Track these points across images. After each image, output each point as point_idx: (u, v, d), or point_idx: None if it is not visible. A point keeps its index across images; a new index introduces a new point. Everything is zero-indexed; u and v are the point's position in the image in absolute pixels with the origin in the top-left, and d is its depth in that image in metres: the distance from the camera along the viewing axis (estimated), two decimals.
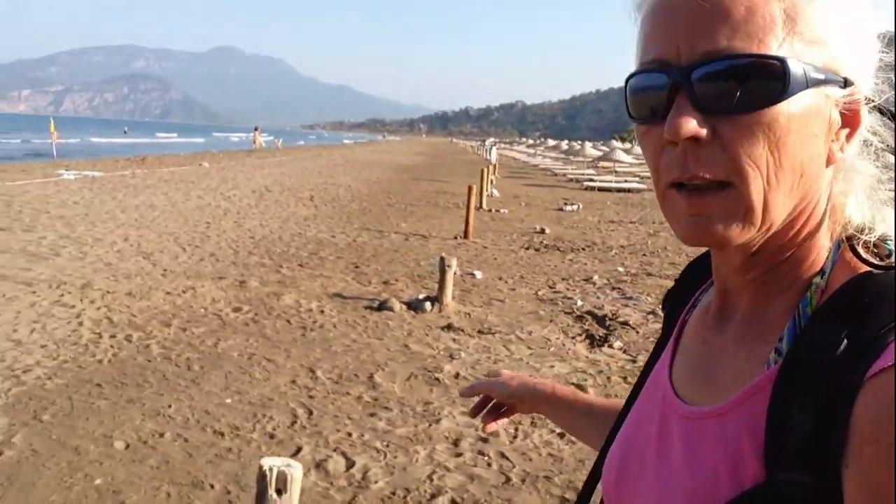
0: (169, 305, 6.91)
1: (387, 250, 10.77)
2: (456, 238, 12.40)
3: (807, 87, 0.53)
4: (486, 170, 20.03)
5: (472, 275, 9.14)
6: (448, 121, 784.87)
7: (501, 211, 17.34)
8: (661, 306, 0.81)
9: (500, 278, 9.17)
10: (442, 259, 7.44)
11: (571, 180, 29.30)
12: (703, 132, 0.53)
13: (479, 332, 6.63)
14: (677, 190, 0.55)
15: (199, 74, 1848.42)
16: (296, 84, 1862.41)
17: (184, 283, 7.84)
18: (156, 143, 66.70)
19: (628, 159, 28.62)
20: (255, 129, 56.32)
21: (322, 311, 6.98)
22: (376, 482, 3.72)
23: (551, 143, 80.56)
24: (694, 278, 0.75)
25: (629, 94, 0.59)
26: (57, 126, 28.65)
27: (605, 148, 42.36)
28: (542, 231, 13.75)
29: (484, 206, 17.58)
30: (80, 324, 6.11)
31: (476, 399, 1.17)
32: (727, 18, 0.53)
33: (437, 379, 5.29)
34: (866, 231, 0.58)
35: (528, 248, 11.81)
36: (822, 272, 0.58)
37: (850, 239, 0.59)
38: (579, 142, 77.94)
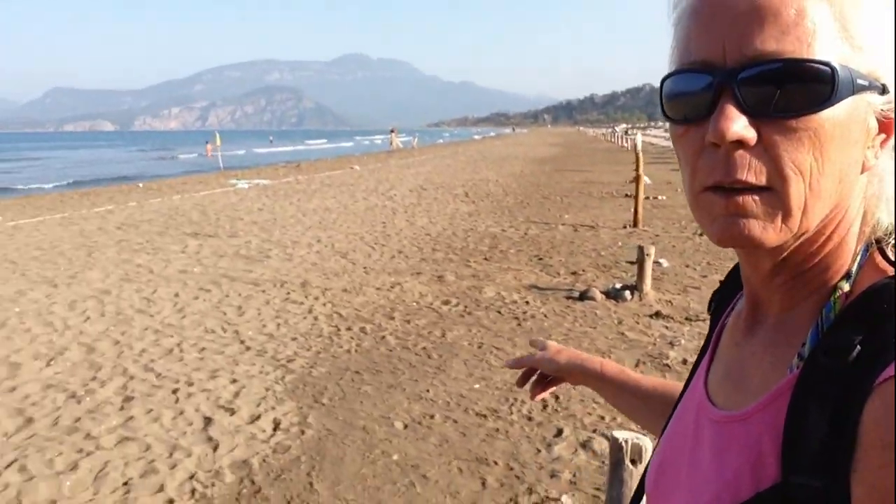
0: (384, 300, 7.40)
1: (561, 242, 10.90)
2: (625, 227, 12.32)
3: (853, 92, 0.53)
4: (639, 156, 19.66)
5: (659, 263, 9.09)
6: (573, 110, 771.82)
7: (659, 198, 16.98)
8: (707, 309, 0.80)
9: (687, 265, 9.07)
10: (640, 248, 7.49)
11: None
12: (750, 135, 0.53)
13: (688, 318, 6.64)
14: (714, 191, 0.55)
15: (330, 82, 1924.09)
16: (419, 84, 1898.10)
17: (387, 279, 8.34)
18: (308, 149, 70.17)
19: None
20: (392, 131, 58.02)
21: (527, 303, 7.23)
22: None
23: None
24: (736, 282, 0.73)
25: (666, 94, 0.59)
26: (218, 139, 30.94)
27: None
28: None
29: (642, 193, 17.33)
30: (315, 318, 6.69)
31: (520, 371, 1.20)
32: (776, 21, 0.52)
33: (666, 365, 5.38)
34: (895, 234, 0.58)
35: (702, 234, 11.50)
36: (847, 276, 0.58)
37: (878, 242, 0.58)
38: None
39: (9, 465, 3.79)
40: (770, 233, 0.55)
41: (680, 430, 0.69)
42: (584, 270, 8.76)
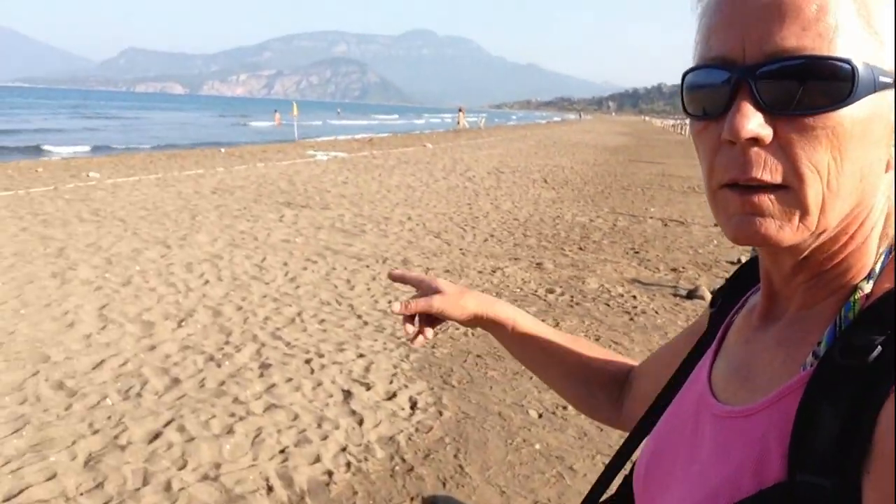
0: (488, 284, 7.42)
1: (654, 236, 10.73)
2: (716, 225, 12.01)
3: (874, 90, 0.52)
4: None
5: None
6: (639, 98, 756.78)
7: None
8: (709, 305, 0.79)
9: None
10: (755, 250, 7.32)
11: None
12: (765, 133, 0.52)
13: None
14: (730, 188, 0.55)
15: (395, 57, 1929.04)
16: (485, 64, 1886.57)
17: (487, 263, 8.36)
18: (377, 123, 70.89)
19: None
20: (460, 111, 57.91)
21: (634, 297, 7.15)
22: None
23: None
24: (745, 280, 0.74)
25: (686, 89, 0.59)
26: (296, 109, 31.38)
27: None
28: None
29: None
30: None
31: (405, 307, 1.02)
32: (797, 16, 0.51)
33: None
34: None
35: None
36: (868, 276, 0.57)
37: None
38: None
39: (167, 424, 3.94)
40: (787, 232, 0.54)
41: (677, 424, 0.67)
42: (683, 268, 8.61)
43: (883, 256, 0.58)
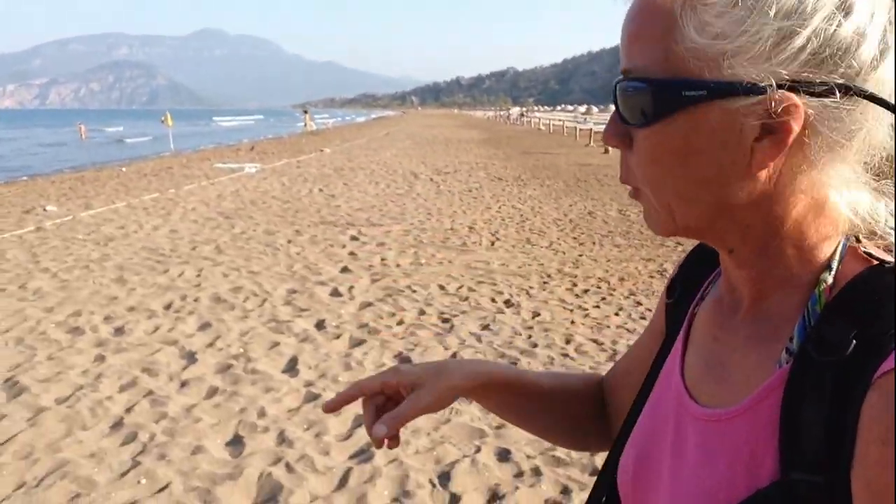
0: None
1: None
2: None
3: (687, 105, 0.54)
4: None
5: None
6: (440, 91, 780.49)
7: None
8: (666, 294, 0.78)
9: None
10: None
11: None
12: (616, 142, 0.59)
13: None
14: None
15: (185, 58, 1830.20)
16: (283, 63, 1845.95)
17: (613, 253, 7.74)
18: (216, 129, 66.31)
19: None
20: (306, 113, 55.92)
21: None
22: None
23: (595, 109, 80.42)
24: (698, 268, 0.75)
25: None
26: (170, 120, 28.20)
27: None
28: None
29: None
30: None
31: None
32: (633, 37, 0.56)
33: None
34: (874, 224, 0.58)
35: None
36: (828, 268, 0.57)
37: (857, 232, 0.58)
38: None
39: None
40: (655, 224, 0.61)
41: (658, 427, 0.67)
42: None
43: (841, 247, 0.58)
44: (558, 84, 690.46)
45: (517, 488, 3.31)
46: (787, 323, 0.57)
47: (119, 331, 5.56)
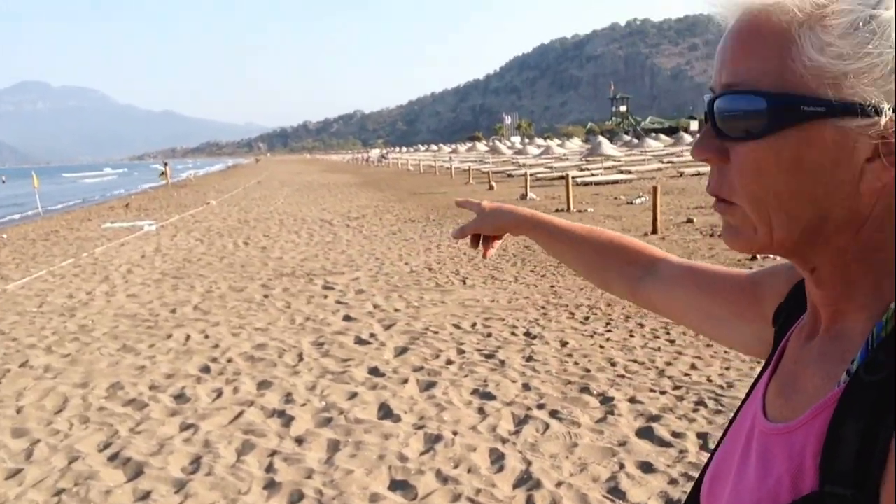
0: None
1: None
2: (646, 234, 13.37)
3: (803, 120, 0.55)
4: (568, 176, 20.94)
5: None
6: (288, 137, 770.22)
7: (588, 210, 18.42)
8: (772, 322, 0.80)
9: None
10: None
11: (554, 178, 31.05)
12: (711, 156, 0.61)
13: None
14: (717, 201, 0.63)
15: (4, 113, 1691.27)
16: (115, 114, 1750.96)
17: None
18: (74, 186, 61.48)
19: (614, 152, 30.63)
20: (165, 165, 53.92)
21: None
22: None
23: (452, 147, 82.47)
24: (804, 299, 0.71)
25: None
26: (36, 180, 26.14)
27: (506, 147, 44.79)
28: (691, 220, 14.92)
29: (572, 207, 18.66)
30: None
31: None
32: (741, 52, 0.58)
33: None
34: None
35: (712, 235, 13.00)
36: None
37: None
38: (490, 141, 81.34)
39: None
40: (741, 241, 0.62)
41: (734, 441, 0.71)
42: None
43: None
44: (406, 125, 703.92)
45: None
46: (855, 346, 0.58)
47: (180, 398, 5.44)
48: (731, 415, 0.77)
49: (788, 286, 0.79)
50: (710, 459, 0.76)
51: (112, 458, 4.41)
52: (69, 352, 6.83)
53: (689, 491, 0.80)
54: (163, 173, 51.25)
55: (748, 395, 0.75)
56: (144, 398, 5.45)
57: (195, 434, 4.73)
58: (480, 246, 1.28)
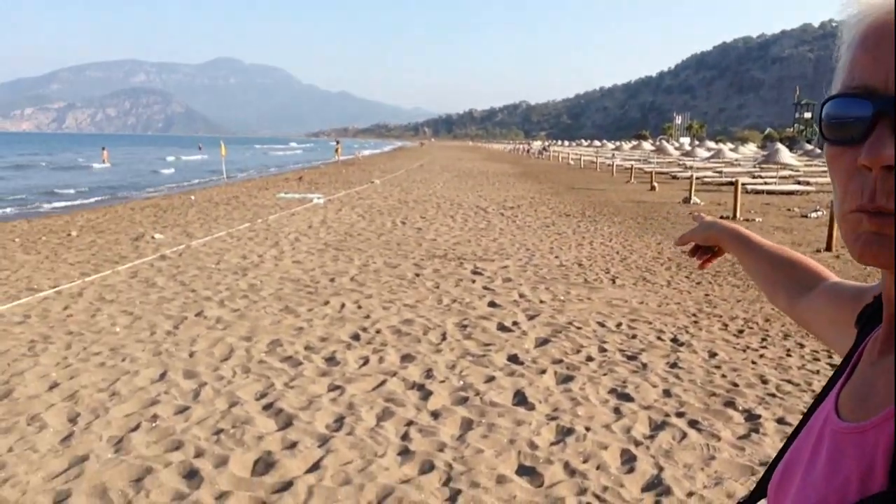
0: None
1: None
2: (819, 251, 12.47)
3: None
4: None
5: None
6: (452, 123, 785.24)
7: (756, 220, 17.40)
8: (854, 323, 0.80)
9: None
10: None
11: (723, 184, 29.54)
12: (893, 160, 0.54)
13: None
14: (861, 211, 0.57)
15: (200, 86, 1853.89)
16: (296, 92, 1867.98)
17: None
18: (251, 157, 67.34)
19: (792, 161, 28.72)
20: (337, 142, 57.08)
21: None
22: None
23: (616, 144, 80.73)
24: None
25: (826, 116, 0.61)
26: (223, 149, 28.78)
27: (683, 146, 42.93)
28: None
29: (738, 215, 17.71)
30: None
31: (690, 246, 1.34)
32: None
33: None
34: None
35: None
36: None
37: None
38: (657, 141, 79.15)
39: None
40: None
41: (806, 439, 0.71)
42: None
43: None
44: (570, 118, 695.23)
45: None
46: None
47: (331, 360, 5.81)
48: (805, 411, 0.78)
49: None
50: (779, 454, 0.77)
51: (266, 407, 4.81)
52: (238, 307, 7.47)
53: (754, 484, 0.81)
54: (336, 150, 54.25)
55: (822, 393, 0.76)
56: (300, 357, 5.87)
57: (341, 395, 5.04)
58: (696, 258, 1.34)
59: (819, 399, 0.77)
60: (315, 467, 3.99)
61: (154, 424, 4.52)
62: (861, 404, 0.65)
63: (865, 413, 0.62)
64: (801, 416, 3.55)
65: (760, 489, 0.79)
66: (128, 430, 4.44)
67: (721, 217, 18.13)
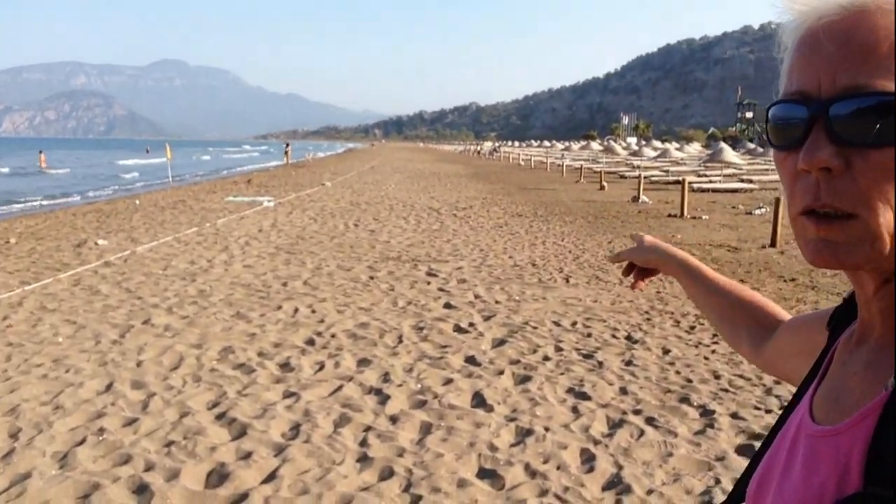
0: None
1: (742, 263, 11.06)
2: (764, 247, 12.75)
3: None
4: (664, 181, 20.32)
5: None
6: (402, 125, 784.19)
7: (702, 218, 17.75)
8: (825, 325, 0.80)
9: None
10: None
11: (669, 182, 30.10)
12: (835, 163, 0.56)
13: None
14: (807, 216, 0.59)
15: (144, 88, 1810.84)
16: (244, 94, 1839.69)
17: None
18: (195, 161, 65.76)
19: (736, 160, 29.41)
20: (287, 145, 56.35)
21: None
22: None
23: (565, 144, 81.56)
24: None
25: (770, 121, 0.64)
26: (169, 152, 28.05)
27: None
28: None
29: (686, 213, 18.04)
30: None
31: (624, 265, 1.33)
32: (869, 55, 0.55)
33: None
34: None
35: None
36: None
37: None
38: (605, 141, 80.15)
39: None
40: (857, 257, 0.58)
41: (782, 444, 0.71)
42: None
43: None
44: (520, 119, 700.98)
45: None
46: None
47: (286, 367, 5.69)
48: (779, 416, 0.78)
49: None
50: (753, 460, 0.77)
51: (219, 416, 4.68)
52: (188, 314, 7.27)
53: (729, 491, 0.80)
54: (286, 152, 53.58)
55: (796, 396, 0.76)
56: (252, 364, 5.73)
57: (296, 402, 4.94)
58: (632, 276, 1.30)
59: (794, 402, 0.76)
60: (271, 477, 3.89)
61: (101, 438, 4.34)
62: (834, 406, 0.65)
63: (839, 415, 0.62)
64: (753, 411, 3.59)
65: (737, 494, 0.78)
66: (73, 444, 4.26)
67: (668, 215, 18.54)
